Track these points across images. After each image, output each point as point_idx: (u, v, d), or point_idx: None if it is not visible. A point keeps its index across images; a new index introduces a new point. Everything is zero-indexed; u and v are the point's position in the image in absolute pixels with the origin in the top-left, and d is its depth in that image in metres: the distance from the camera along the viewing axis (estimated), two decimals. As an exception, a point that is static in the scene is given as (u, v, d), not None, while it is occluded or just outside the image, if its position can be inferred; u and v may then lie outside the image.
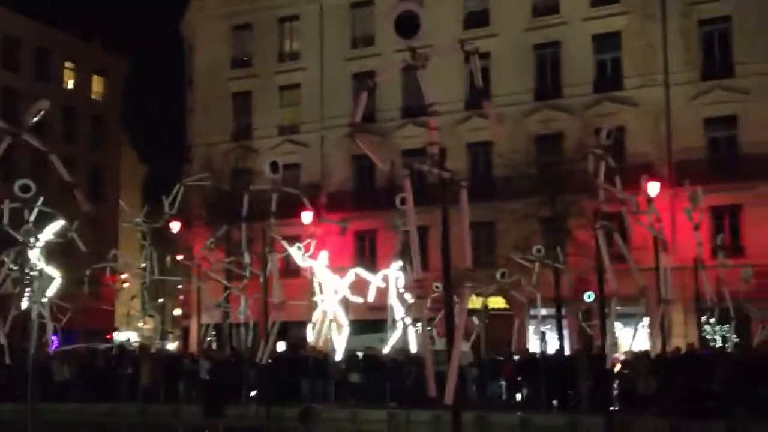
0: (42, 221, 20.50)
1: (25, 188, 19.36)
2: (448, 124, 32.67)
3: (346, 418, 22.07)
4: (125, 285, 32.36)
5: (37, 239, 20.40)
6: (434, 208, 8.29)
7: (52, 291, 20.57)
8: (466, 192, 8.07)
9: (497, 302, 29.02)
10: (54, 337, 28.27)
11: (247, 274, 25.67)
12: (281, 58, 42.28)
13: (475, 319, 24.78)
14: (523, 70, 36.80)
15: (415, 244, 8.68)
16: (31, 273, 20.17)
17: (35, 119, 14.81)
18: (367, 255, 36.60)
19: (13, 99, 47.33)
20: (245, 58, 43.00)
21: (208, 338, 29.49)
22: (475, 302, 24.65)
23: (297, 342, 29.09)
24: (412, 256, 9.56)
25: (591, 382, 21.32)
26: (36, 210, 19.74)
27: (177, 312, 48.52)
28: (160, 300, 31.39)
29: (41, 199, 19.91)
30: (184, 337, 41.30)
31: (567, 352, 27.27)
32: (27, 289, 20.80)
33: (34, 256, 19.88)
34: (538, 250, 24.99)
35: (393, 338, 24.30)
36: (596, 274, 16.53)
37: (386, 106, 37.98)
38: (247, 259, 25.21)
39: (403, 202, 18.31)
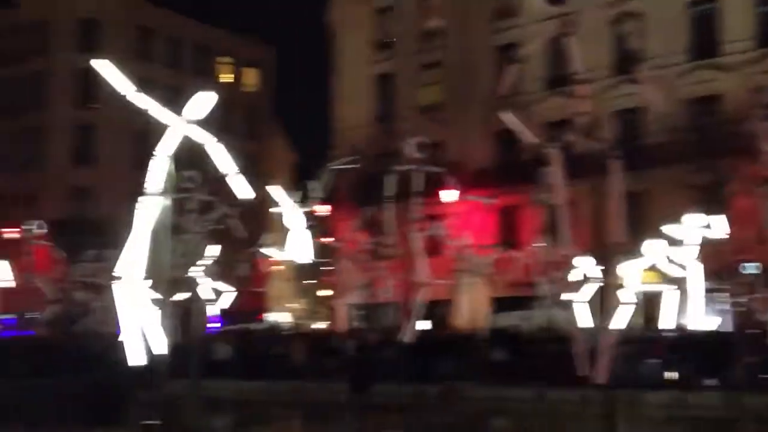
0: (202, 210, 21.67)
1: (190, 179, 20.50)
2: (594, 92, 31.57)
3: (489, 396, 21.80)
4: (277, 268, 33.46)
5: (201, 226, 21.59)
6: (581, 181, 7.94)
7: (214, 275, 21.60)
8: (619, 163, 7.66)
9: (651, 276, 27.83)
10: (214, 318, 29.80)
11: (391, 254, 25.93)
12: (423, 38, 42.25)
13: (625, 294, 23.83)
14: (676, 30, 34.89)
15: (564, 218, 8.37)
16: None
17: (204, 113, 15.61)
18: (511, 232, 35.96)
19: (176, 95, 49.92)
20: (387, 41, 43.29)
21: (355, 317, 30.05)
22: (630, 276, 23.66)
23: (440, 320, 29.11)
24: (561, 231, 9.27)
25: (754, 358, 20.07)
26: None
27: (325, 293, 49.72)
28: (310, 282, 32.28)
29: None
30: (332, 316, 42.28)
31: (725, 328, 25.75)
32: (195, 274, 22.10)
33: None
34: (695, 220, 23.57)
35: (539, 315, 23.84)
36: (759, 244, 15.43)
37: (528, 78, 37.11)
38: (391, 239, 25.45)
39: (549, 176, 17.83)
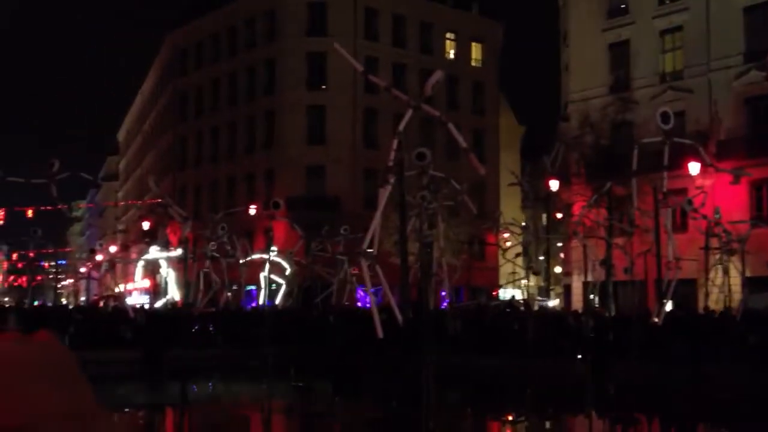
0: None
1: (421, 156, 20.56)
2: None
3: (739, 383, 20.09)
4: (508, 244, 32.94)
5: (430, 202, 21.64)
6: None
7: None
8: None
9: None
10: (444, 293, 29.85)
11: (632, 230, 24.60)
12: (661, 1, 39.79)
13: None
14: None
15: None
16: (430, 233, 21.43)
17: (433, 91, 15.50)
18: (765, 205, 33.14)
19: (402, 73, 50.74)
20: (622, 6, 41.22)
21: (591, 296, 28.89)
22: None
23: (685, 300, 27.33)
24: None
25: None
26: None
27: (558, 270, 48.49)
28: (542, 258, 31.48)
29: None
30: (567, 294, 41.12)
31: None
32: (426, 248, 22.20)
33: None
34: None
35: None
36: None
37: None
38: (632, 214, 24.17)
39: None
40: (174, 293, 36.85)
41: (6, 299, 64.63)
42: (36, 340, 0.89)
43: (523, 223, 29.69)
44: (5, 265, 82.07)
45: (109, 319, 31.58)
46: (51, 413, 0.83)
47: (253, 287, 39.41)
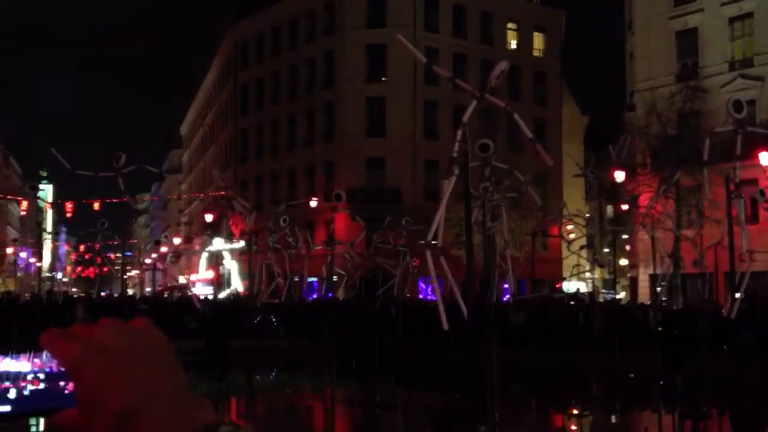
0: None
1: (484, 147, 20.38)
2: None
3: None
4: (572, 236, 32.46)
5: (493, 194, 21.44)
6: None
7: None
8: None
9: None
10: (506, 285, 29.57)
11: (702, 222, 24.02)
12: (729, -12, 38.75)
13: None
14: None
15: None
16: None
17: (497, 81, 15.31)
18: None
19: (463, 64, 50.38)
20: (688, -7, 40.26)
21: (658, 288, 28.29)
22: None
23: (757, 294, 26.54)
24: None
25: None
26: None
27: (623, 262, 47.66)
28: (607, 250, 30.98)
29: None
30: (633, 287, 40.39)
31: None
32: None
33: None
34: None
35: None
36: None
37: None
38: (702, 206, 23.59)
39: None
40: (237, 284, 37.32)
41: (74, 290, 66.28)
42: (136, 326, 0.89)
43: (588, 215, 29.14)
44: (73, 256, 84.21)
45: (174, 310, 32.15)
46: (154, 397, 0.83)
47: (314, 279, 39.65)
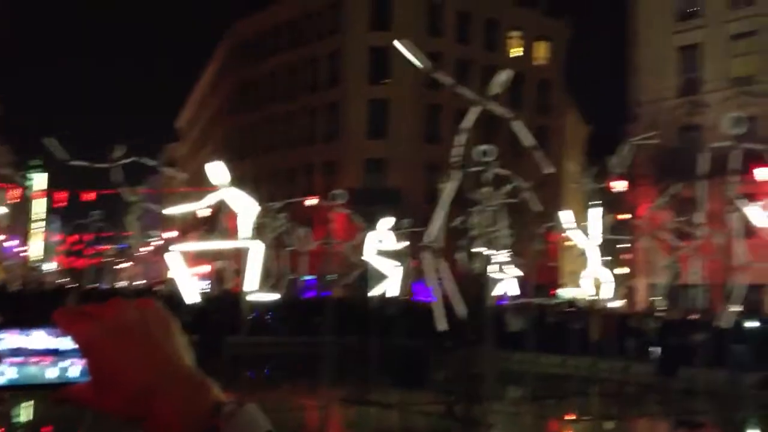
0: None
1: (485, 153, 20.53)
2: None
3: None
4: (570, 243, 32.49)
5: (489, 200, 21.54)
6: None
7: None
8: None
9: None
10: (506, 290, 29.62)
11: (701, 234, 24.20)
12: (734, 5, 39.02)
13: None
14: None
15: None
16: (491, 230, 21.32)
17: (501, 89, 15.44)
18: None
19: (465, 70, 50.52)
20: (692, 9, 40.52)
21: (655, 298, 28.48)
22: None
23: (754, 306, 26.77)
24: None
25: None
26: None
27: (621, 271, 47.67)
28: (605, 258, 31.05)
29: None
30: (630, 295, 40.49)
31: None
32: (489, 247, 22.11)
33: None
34: None
35: None
36: None
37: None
38: (700, 218, 23.78)
39: None
40: (232, 280, 37.21)
41: (67, 279, 66.04)
42: (147, 306, 0.91)
43: (584, 223, 29.26)
44: (63, 246, 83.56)
45: (167, 303, 32.04)
46: (170, 375, 0.86)
47: (311, 277, 39.63)
